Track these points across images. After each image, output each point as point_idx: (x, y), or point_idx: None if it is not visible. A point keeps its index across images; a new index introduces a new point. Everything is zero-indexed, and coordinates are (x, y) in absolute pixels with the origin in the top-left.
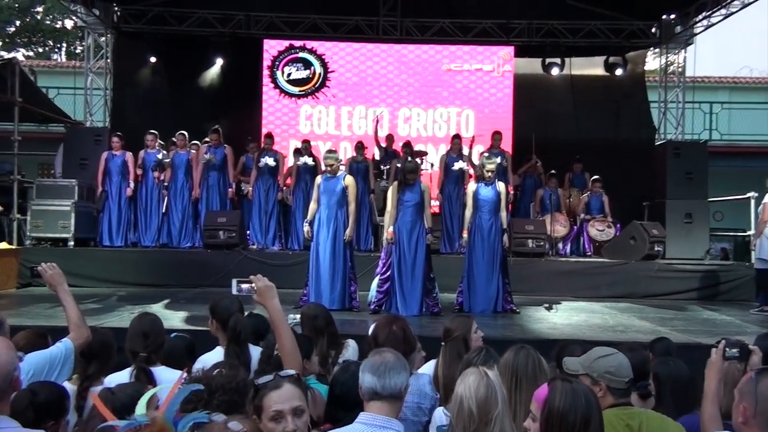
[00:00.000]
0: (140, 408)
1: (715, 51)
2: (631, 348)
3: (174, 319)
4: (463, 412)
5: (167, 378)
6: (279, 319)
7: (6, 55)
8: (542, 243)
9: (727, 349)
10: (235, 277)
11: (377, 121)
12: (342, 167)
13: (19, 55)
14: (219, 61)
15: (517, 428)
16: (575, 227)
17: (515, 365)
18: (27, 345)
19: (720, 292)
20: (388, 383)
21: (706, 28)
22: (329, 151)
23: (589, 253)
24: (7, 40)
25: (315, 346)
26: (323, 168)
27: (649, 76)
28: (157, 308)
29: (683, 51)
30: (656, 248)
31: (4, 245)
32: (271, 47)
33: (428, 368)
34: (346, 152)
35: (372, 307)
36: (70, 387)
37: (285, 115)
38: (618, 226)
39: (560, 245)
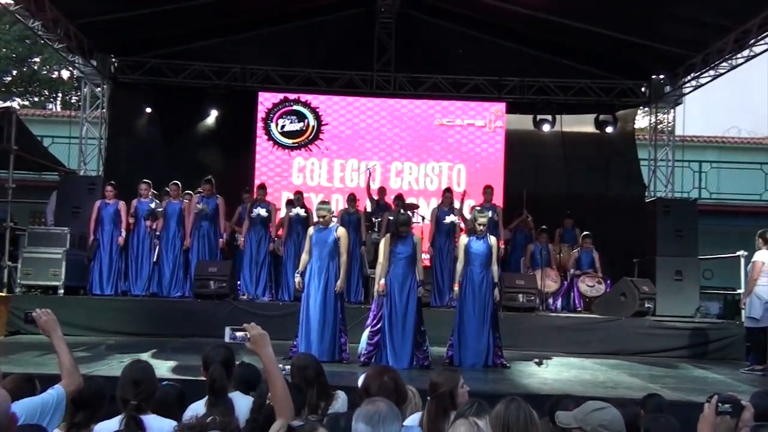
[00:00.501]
0: None
1: (703, 111)
2: (622, 404)
3: (162, 368)
4: None
5: (158, 427)
6: (272, 368)
7: (2, 104)
8: (533, 298)
9: (720, 404)
10: (225, 326)
11: (369, 174)
12: (334, 219)
13: (15, 104)
14: (214, 113)
15: None
16: (566, 282)
17: (506, 418)
18: (14, 389)
19: (710, 350)
20: None
21: (694, 89)
22: (322, 203)
23: (580, 309)
24: (3, 89)
25: (305, 397)
26: (315, 219)
27: (639, 134)
28: (146, 357)
29: (672, 110)
30: (646, 305)
31: None
32: (266, 99)
33: (412, 420)
34: (338, 204)
35: (362, 359)
36: None
37: (278, 167)
38: (608, 282)
39: (551, 300)
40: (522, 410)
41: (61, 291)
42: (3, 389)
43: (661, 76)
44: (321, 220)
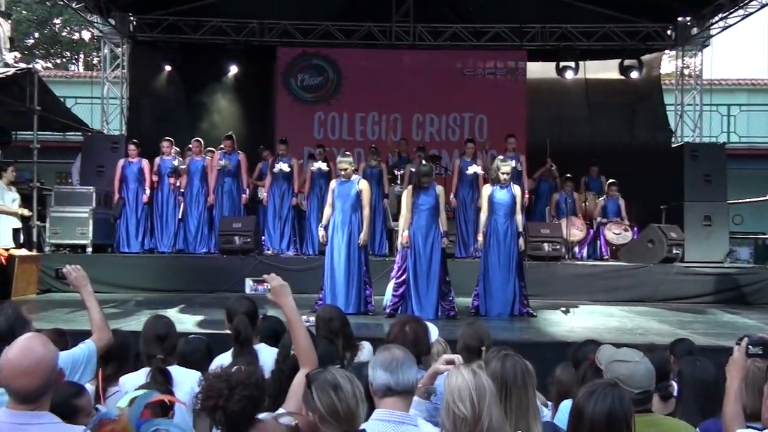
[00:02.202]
0: (121, 402)
1: (733, 52)
2: (651, 349)
3: (189, 323)
4: (452, 413)
5: (182, 378)
6: (294, 318)
7: (24, 66)
8: (558, 246)
9: (750, 346)
10: (245, 278)
11: (390, 127)
12: (355, 174)
13: (38, 66)
14: (233, 69)
15: None
16: (591, 231)
17: (504, 374)
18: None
19: (740, 295)
20: (401, 378)
21: (722, 30)
22: (343, 155)
23: (606, 257)
24: (25, 52)
25: (337, 350)
26: (337, 173)
27: (665, 78)
28: (173, 312)
29: (700, 53)
30: (675, 251)
31: (24, 251)
32: (285, 54)
33: None
34: (360, 157)
35: (388, 310)
36: (88, 388)
37: (299, 122)
38: (635, 229)
39: (576, 249)
40: (518, 365)
41: (89, 249)
42: (53, 345)
43: (688, 18)
44: (343, 173)
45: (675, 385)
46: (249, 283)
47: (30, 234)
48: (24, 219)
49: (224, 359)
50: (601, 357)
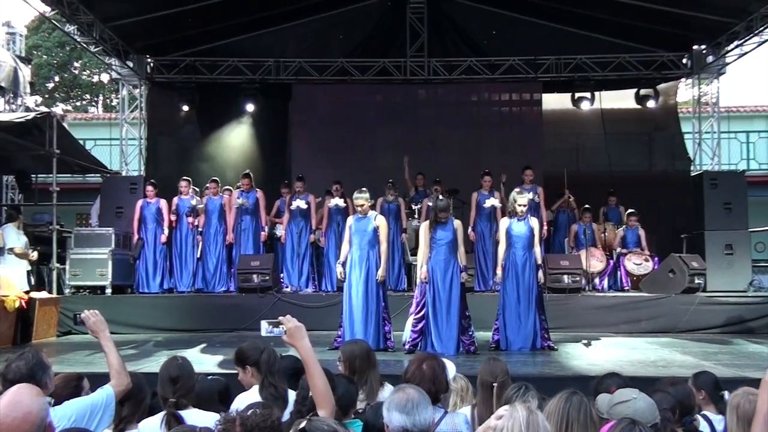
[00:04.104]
0: None
1: (751, 79)
2: (673, 382)
3: (210, 363)
4: None
5: (198, 421)
6: (310, 360)
7: (44, 109)
8: (578, 278)
9: None
10: (260, 320)
11: (407, 162)
12: (372, 210)
13: (58, 109)
14: (249, 107)
15: None
16: (612, 262)
17: (566, 411)
18: (63, 387)
19: (766, 325)
20: (418, 420)
21: (739, 57)
22: (359, 191)
23: (627, 288)
24: (46, 95)
25: (365, 382)
26: (354, 209)
27: (682, 107)
28: (193, 353)
29: (716, 81)
30: (697, 281)
31: (44, 294)
32: (301, 92)
33: (466, 412)
34: (377, 193)
35: (407, 347)
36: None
37: (315, 159)
38: (656, 259)
39: (597, 280)
40: (583, 405)
41: (109, 290)
42: (43, 397)
43: (703, 46)
44: (359, 208)
45: (701, 419)
46: (264, 325)
47: (41, 276)
48: (32, 261)
49: (251, 397)
50: (600, 407)
